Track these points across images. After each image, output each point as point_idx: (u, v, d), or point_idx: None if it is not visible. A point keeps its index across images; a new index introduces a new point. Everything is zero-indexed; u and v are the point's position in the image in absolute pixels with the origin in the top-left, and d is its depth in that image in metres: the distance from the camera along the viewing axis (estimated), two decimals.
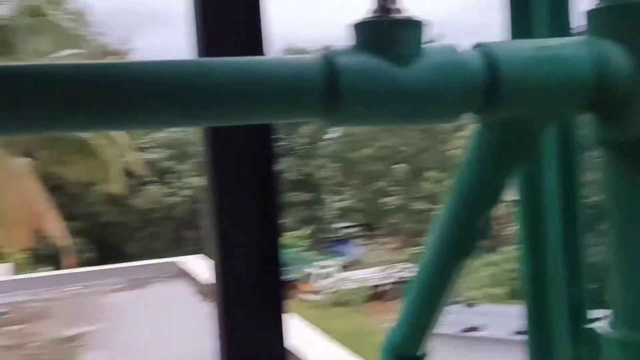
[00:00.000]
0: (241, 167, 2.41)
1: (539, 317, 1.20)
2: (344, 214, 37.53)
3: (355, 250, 31.84)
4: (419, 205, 31.35)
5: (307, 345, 5.04)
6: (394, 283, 26.52)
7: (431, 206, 30.10)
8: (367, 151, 35.19)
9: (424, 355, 1.41)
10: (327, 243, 34.58)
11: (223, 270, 2.40)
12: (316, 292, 23.78)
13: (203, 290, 5.73)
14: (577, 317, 1.09)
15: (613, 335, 0.84)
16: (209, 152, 2.34)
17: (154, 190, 30.95)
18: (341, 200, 37.88)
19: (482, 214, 1.12)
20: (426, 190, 30.39)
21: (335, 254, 30.03)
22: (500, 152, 1.04)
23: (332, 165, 36.74)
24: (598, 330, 0.87)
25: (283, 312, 2.50)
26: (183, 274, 9.12)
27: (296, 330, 5.53)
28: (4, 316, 7.78)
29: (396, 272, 25.95)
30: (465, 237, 1.18)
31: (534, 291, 1.20)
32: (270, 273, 2.47)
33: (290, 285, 29.31)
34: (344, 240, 34.15)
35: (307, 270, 26.77)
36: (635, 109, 0.83)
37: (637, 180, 0.85)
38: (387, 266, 26.83)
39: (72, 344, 6.56)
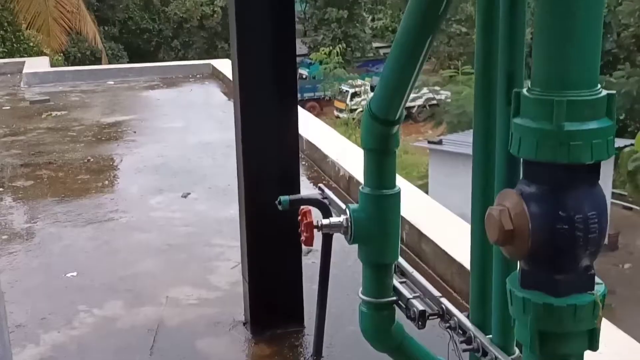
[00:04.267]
0: None
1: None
2: (379, 33, 36.81)
3: None
4: (458, 28, 30.47)
5: (325, 141, 5.24)
6: (425, 105, 26.54)
7: (469, 30, 29.27)
8: None
9: (400, 118, 1.66)
10: (361, 62, 34.27)
11: (241, 68, 2.53)
12: (348, 110, 23.93)
13: (231, 90, 5.89)
14: (511, 85, 1.30)
15: (530, 94, 1.07)
16: None
17: None
18: (377, 19, 36.98)
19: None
20: (467, 12, 29.37)
21: (369, 73, 29.84)
22: None
23: None
24: (522, 92, 1.09)
25: (296, 107, 2.66)
26: (217, 76, 9.24)
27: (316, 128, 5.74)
28: (46, 103, 8.09)
29: (428, 93, 25.82)
30: (429, 17, 1.38)
31: (483, 63, 1.41)
32: (284, 72, 2.59)
33: (323, 101, 29.59)
34: (378, 60, 33.75)
35: (340, 87, 26.78)
36: None
37: None
38: (419, 87, 26.67)
39: (112, 129, 6.88)
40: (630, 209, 15.33)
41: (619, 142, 11.34)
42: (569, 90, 1.05)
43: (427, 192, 15.50)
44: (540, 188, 1.11)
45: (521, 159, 1.15)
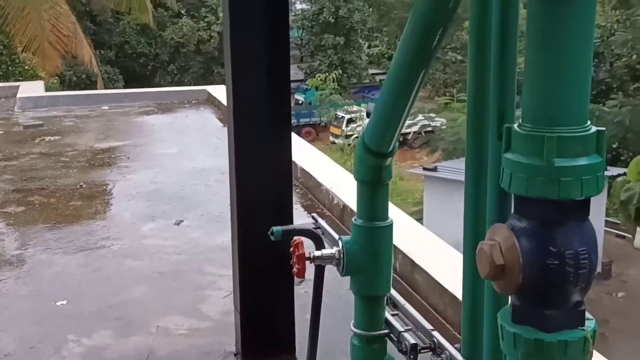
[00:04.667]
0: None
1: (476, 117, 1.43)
2: (375, 60, 37.08)
3: None
4: (453, 56, 30.72)
5: (320, 168, 5.24)
6: (421, 132, 26.63)
7: (464, 57, 29.51)
8: None
9: (393, 150, 1.66)
10: (357, 88, 34.47)
11: (235, 94, 2.55)
12: (343, 135, 23.99)
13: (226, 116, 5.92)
14: (502, 120, 1.32)
15: (521, 130, 1.07)
16: None
17: (186, 24, 30.65)
18: (374, 46, 37.28)
19: (435, 34, 1.33)
20: (462, 40, 29.64)
21: (365, 100, 29.98)
22: None
23: (367, 9, 35.77)
24: (513, 128, 1.09)
25: (290, 134, 2.67)
26: (212, 102, 9.27)
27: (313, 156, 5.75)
28: (39, 128, 8.09)
29: (423, 120, 25.93)
30: (423, 51, 1.39)
31: (475, 98, 1.42)
32: (278, 98, 2.61)
33: (319, 127, 29.68)
34: (374, 86, 33.96)
35: (335, 113, 26.87)
36: None
37: (547, 14, 1.04)
38: (415, 114, 26.81)
39: (106, 155, 6.87)
40: (623, 237, 15.33)
41: (612, 171, 11.38)
42: (559, 126, 1.06)
43: (422, 219, 15.53)
44: (531, 223, 1.12)
45: (512, 194, 1.16)
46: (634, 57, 19.36)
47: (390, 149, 1.67)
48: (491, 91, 1.35)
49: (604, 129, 1.11)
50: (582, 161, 1.06)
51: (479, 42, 1.39)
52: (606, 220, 14.21)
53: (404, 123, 1.60)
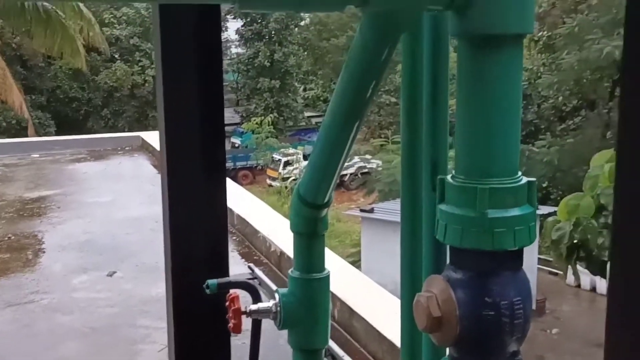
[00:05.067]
0: (186, 43, 2.47)
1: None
2: (311, 102, 37.46)
3: None
4: (387, 98, 31.34)
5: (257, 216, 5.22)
6: (357, 173, 26.89)
7: (398, 100, 30.11)
8: (337, 41, 34.72)
9: (329, 201, 1.66)
10: (293, 130, 34.66)
11: (168, 141, 2.51)
12: (280, 178, 24.01)
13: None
14: (436, 171, 1.35)
15: (454, 182, 1.09)
16: (158, 28, 2.37)
17: (120, 68, 30.35)
18: (309, 89, 37.70)
19: (369, 86, 1.34)
20: (395, 83, 30.30)
21: (302, 142, 30.16)
22: (379, 36, 1.24)
23: (302, 53, 36.27)
24: (446, 179, 1.11)
25: (224, 181, 2.64)
26: (147, 148, 9.15)
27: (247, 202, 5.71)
28: None
29: (360, 162, 26.23)
30: (357, 104, 1.40)
31: (408, 148, 1.44)
32: (212, 143, 2.58)
33: (255, 170, 29.62)
34: (310, 129, 34.23)
35: (272, 156, 26.90)
36: (476, 9, 1.03)
37: (476, 70, 1.06)
38: (351, 156, 27.08)
39: (35, 205, 6.66)
40: (556, 274, 15.71)
41: (543, 209, 11.70)
42: (491, 177, 1.07)
43: (359, 260, 15.56)
44: (467, 274, 1.12)
45: (447, 245, 1.16)
46: (560, 98, 20.18)
47: (326, 200, 1.66)
48: (424, 142, 1.36)
49: (534, 179, 1.13)
50: (515, 212, 1.08)
51: (410, 94, 1.40)
52: (539, 258, 14.56)
53: (339, 174, 1.60)
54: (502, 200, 1.07)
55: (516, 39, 1.07)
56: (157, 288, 3.91)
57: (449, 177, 1.12)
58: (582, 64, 17.76)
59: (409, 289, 1.46)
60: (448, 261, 1.16)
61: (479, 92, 1.07)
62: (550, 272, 15.81)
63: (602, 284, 15.48)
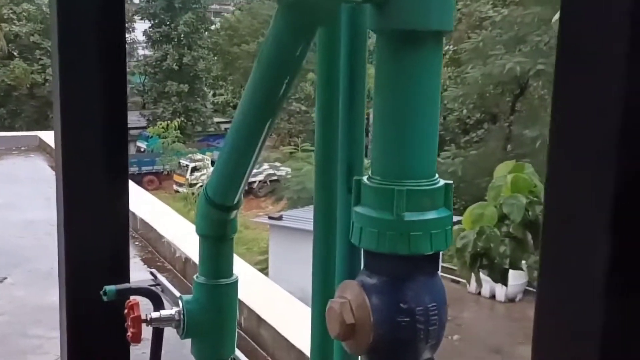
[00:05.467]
0: (88, 37, 2.34)
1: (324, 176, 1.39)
2: (220, 108, 37.15)
3: None
4: (298, 106, 31.49)
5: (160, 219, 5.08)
6: (266, 180, 26.84)
7: (308, 108, 30.34)
8: (247, 46, 34.63)
9: (239, 202, 1.59)
10: (202, 136, 34.27)
11: (64, 141, 2.37)
12: (187, 184, 23.63)
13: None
14: (351, 173, 1.30)
15: (370, 183, 1.05)
16: (56, 20, 2.24)
17: (18, 66, 29.08)
18: (219, 94, 37.39)
19: (283, 83, 1.28)
20: (306, 91, 30.49)
21: (210, 148, 29.86)
22: (294, 30, 1.19)
23: (212, 58, 35.92)
24: (362, 180, 1.07)
25: (127, 184, 2.53)
26: (45, 148, 8.77)
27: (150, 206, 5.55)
28: None
29: (269, 169, 26.20)
30: (269, 101, 1.34)
31: (323, 150, 1.39)
32: (115, 146, 2.46)
33: (162, 175, 29.02)
34: (219, 134, 33.93)
35: (179, 161, 26.48)
36: (396, 3, 0.98)
37: (395, 67, 1.02)
38: (260, 163, 27.01)
39: None
40: (458, 282, 16.17)
41: None
42: (408, 179, 1.04)
43: (267, 268, 15.50)
44: (381, 279, 1.09)
45: (362, 249, 1.12)
46: (465, 111, 20.88)
47: (235, 201, 1.58)
48: (339, 143, 1.32)
49: (451, 182, 1.10)
50: (431, 215, 1.05)
51: (326, 92, 1.35)
52: (442, 266, 14.95)
53: (250, 174, 1.53)
54: (419, 203, 1.04)
55: (436, 36, 1.04)
56: (52, 295, 3.70)
57: (364, 178, 1.08)
58: (485, 78, 18.45)
59: (321, 295, 1.41)
60: (362, 266, 1.12)
61: (397, 89, 1.03)
62: (453, 280, 16.26)
63: (501, 292, 16.08)
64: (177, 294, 1.78)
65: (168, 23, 33.81)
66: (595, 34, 0.62)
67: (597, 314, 0.60)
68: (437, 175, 1.08)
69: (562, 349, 0.66)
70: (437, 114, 1.08)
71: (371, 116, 1.11)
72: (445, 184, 1.08)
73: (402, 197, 1.03)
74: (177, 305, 1.68)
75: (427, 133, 1.07)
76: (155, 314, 1.69)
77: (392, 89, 1.04)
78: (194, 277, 1.69)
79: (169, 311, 1.68)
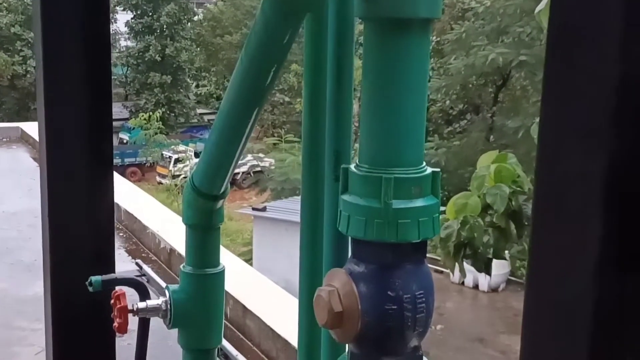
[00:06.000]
0: (72, 28, 2.32)
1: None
2: (204, 99, 36.96)
3: None
4: (281, 97, 31.40)
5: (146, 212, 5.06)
6: (250, 172, 26.76)
7: (291, 99, 30.27)
8: (230, 38, 34.46)
9: (225, 192, 1.59)
10: (185, 127, 34.08)
11: (49, 132, 2.34)
12: (170, 176, 23.51)
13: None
14: (339, 161, 1.29)
15: (358, 171, 1.05)
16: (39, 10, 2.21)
17: None
18: (202, 85, 37.18)
19: (270, 70, 1.29)
20: (289, 83, 30.42)
21: (194, 139, 29.70)
22: (281, 16, 1.19)
23: (195, 49, 35.70)
24: (350, 168, 1.07)
25: (112, 175, 2.51)
26: (27, 140, 8.69)
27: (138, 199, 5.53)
28: None
29: (252, 160, 26.10)
30: (257, 89, 1.34)
31: (309, 138, 1.39)
32: (99, 136, 2.44)
33: (144, 167, 28.85)
34: (202, 126, 33.77)
35: (162, 153, 26.32)
36: None
37: (383, 54, 1.02)
38: (244, 154, 26.86)
39: None
40: (441, 272, 16.26)
41: None
42: (395, 167, 1.04)
43: (251, 259, 15.48)
44: (369, 267, 1.09)
45: (349, 237, 1.12)
46: (447, 102, 20.92)
47: (222, 190, 1.58)
48: (326, 131, 1.31)
49: (438, 170, 1.10)
50: (419, 202, 1.05)
51: (313, 79, 1.35)
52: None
53: (236, 163, 1.53)
54: (407, 191, 1.04)
55: (425, 23, 1.04)
56: (35, 287, 3.67)
57: (352, 166, 1.08)
58: (468, 69, 18.50)
59: (309, 283, 1.41)
60: (350, 254, 1.12)
61: (385, 77, 1.03)
62: (436, 270, 16.34)
63: (484, 281, 16.18)
64: (163, 284, 1.78)
65: (150, 14, 33.53)
66: (587, 19, 0.62)
67: (588, 293, 0.60)
68: (424, 163, 1.08)
69: (552, 333, 0.66)
70: (424, 101, 1.08)
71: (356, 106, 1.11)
72: (433, 171, 1.08)
73: (390, 185, 1.03)
74: (164, 295, 1.68)
75: (415, 121, 1.06)
76: (142, 304, 1.69)
77: (379, 77, 1.04)
78: (181, 266, 1.68)
79: (155, 301, 1.67)
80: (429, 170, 1.08)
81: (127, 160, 28.47)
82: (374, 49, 1.03)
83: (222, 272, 1.69)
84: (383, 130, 1.04)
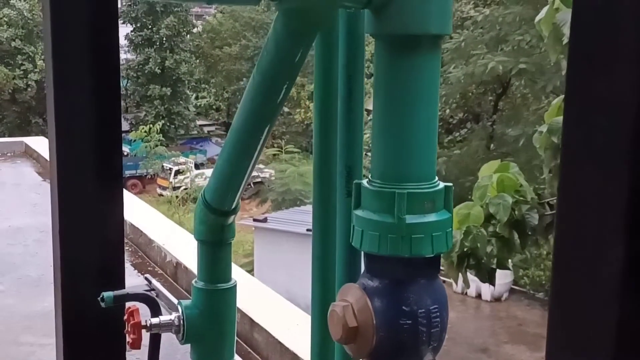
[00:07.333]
0: (81, 43, 2.33)
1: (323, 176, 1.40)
2: (203, 111, 37.02)
3: (214, 148, 31.70)
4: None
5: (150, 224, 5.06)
6: (250, 183, 26.73)
7: (291, 110, 30.31)
8: (229, 49, 34.54)
9: (236, 207, 1.60)
10: (185, 139, 34.13)
11: (59, 147, 2.35)
12: (171, 188, 23.50)
13: (47, 170, 5.59)
14: (351, 176, 1.31)
15: (370, 187, 1.05)
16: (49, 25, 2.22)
17: (0, 72, 28.80)
18: (201, 97, 37.24)
19: (282, 87, 1.30)
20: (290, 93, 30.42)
21: (194, 151, 29.74)
22: (293, 35, 1.20)
23: (194, 61, 35.78)
24: (362, 184, 1.08)
25: (121, 190, 2.51)
26: (31, 154, 8.69)
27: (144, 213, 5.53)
28: None
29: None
30: (268, 106, 1.35)
31: (321, 153, 1.39)
32: (109, 151, 2.45)
33: (145, 179, 28.85)
34: (202, 137, 33.82)
35: (162, 165, 26.33)
36: (395, 8, 1.00)
37: (394, 71, 1.03)
38: None
39: None
40: (444, 282, 16.21)
41: None
42: (408, 182, 1.05)
43: (252, 270, 15.45)
44: (383, 282, 1.10)
45: (362, 252, 1.13)
46: (447, 111, 20.93)
47: (233, 206, 1.59)
48: (338, 147, 1.33)
49: (451, 184, 1.11)
50: (432, 217, 1.06)
51: (324, 96, 1.36)
52: None
53: (248, 179, 1.54)
54: (420, 206, 1.05)
55: (435, 40, 1.05)
56: (43, 302, 3.67)
57: (364, 181, 1.09)
58: (468, 78, 18.51)
59: (321, 298, 1.42)
60: (363, 269, 1.13)
61: (396, 93, 1.04)
62: None
63: (487, 291, 16.15)
64: (173, 299, 1.78)
65: (150, 27, 33.64)
66: (608, 31, 0.63)
67: (611, 314, 0.61)
68: (436, 178, 1.09)
69: (576, 353, 0.67)
70: (436, 117, 1.09)
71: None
72: (445, 186, 1.09)
73: (403, 200, 1.03)
74: (175, 310, 1.69)
75: (427, 136, 1.07)
76: (155, 320, 1.69)
77: (391, 93, 1.05)
78: (193, 281, 1.69)
79: (168, 317, 1.68)
80: (442, 185, 1.09)
81: (128, 173, 28.48)
82: (384, 65, 1.04)
83: (234, 287, 1.70)
84: (395, 146, 1.05)
